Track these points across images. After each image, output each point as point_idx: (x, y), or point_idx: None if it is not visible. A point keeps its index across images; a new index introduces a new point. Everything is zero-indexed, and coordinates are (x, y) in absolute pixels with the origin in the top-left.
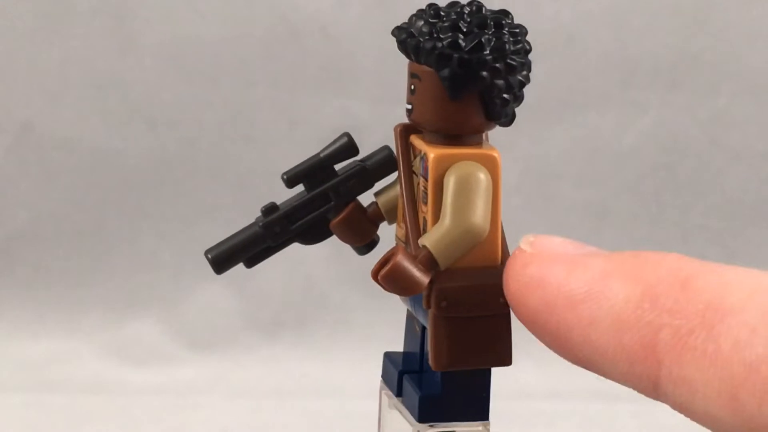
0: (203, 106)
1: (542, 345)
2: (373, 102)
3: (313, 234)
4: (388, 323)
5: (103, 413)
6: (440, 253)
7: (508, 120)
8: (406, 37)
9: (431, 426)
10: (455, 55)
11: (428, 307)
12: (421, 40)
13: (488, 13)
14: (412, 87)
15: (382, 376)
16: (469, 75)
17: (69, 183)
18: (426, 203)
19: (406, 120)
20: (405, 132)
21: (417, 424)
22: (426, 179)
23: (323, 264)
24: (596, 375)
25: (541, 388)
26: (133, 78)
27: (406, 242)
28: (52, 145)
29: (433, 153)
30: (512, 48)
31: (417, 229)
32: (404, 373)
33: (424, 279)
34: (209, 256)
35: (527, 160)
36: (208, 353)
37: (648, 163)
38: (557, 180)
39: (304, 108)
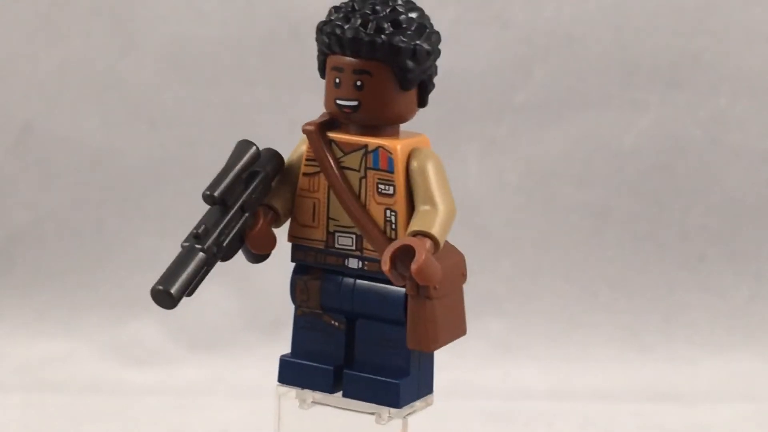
0: (203, 106)
1: (543, 345)
2: None
3: (231, 249)
4: None
5: (103, 413)
6: (440, 238)
7: (425, 104)
8: (355, 35)
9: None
10: (410, 47)
11: (418, 293)
12: (375, 35)
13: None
14: (359, 83)
15: (286, 381)
16: (422, 65)
17: (69, 183)
18: (392, 195)
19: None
20: (322, 130)
21: (396, 410)
22: (388, 171)
23: None
24: (596, 375)
25: (541, 388)
26: (133, 78)
27: (327, 240)
28: (52, 145)
29: (392, 144)
30: (436, 37)
31: (372, 222)
32: (343, 368)
33: (439, 267)
34: (161, 289)
35: (527, 161)
36: (208, 353)
37: (648, 163)
38: (557, 180)
39: (304, 108)
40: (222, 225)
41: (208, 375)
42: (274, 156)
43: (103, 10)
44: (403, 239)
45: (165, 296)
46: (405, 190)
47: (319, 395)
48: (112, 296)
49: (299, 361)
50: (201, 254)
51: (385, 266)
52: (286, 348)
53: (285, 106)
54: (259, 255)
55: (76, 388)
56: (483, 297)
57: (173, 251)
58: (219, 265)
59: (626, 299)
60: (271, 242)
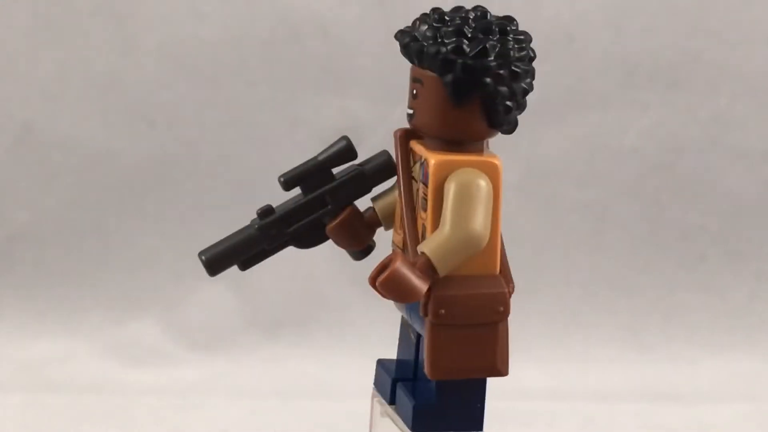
0: (203, 106)
1: (542, 345)
2: (373, 102)
3: (309, 238)
4: (389, 324)
5: (103, 413)
6: (439, 260)
7: (510, 128)
8: (409, 41)
9: None
10: (459, 61)
11: (425, 314)
12: (425, 44)
13: (493, 19)
14: (414, 92)
15: (375, 384)
16: (473, 81)
17: (69, 183)
18: (425, 210)
19: (404, 122)
20: (405, 137)
21: None
22: (426, 185)
23: (323, 264)
24: (596, 375)
25: (541, 388)
26: (133, 78)
27: (404, 248)
28: (52, 145)
29: (433, 159)
30: (517, 55)
31: (415, 235)
32: (398, 381)
33: (422, 286)
34: (203, 257)
35: (528, 161)
36: (208, 353)
37: (648, 163)
38: (557, 180)
39: (304, 108)
40: (290, 209)
41: (208, 375)
42: (382, 158)
43: (103, 10)
44: (392, 254)
45: (202, 262)
46: (433, 206)
47: (385, 404)
48: (112, 296)
49: (381, 366)
50: (254, 231)
51: (369, 279)
52: (286, 348)
53: (285, 106)
54: (355, 251)
55: (76, 388)
56: None
57: (173, 251)
58: None
59: (626, 299)
60: (352, 240)
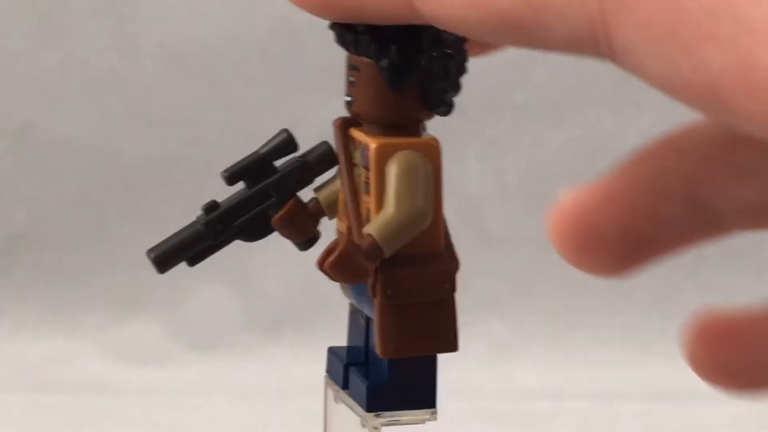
0: (203, 106)
1: (542, 345)
2: None
3: (255, 231)
4: None
5: (103, 413)
6: (385, 240)
7: (446, 109)
8: (344, 29)
9: (378, 415)
10: (393, 45)
11: (374, 295)
12: (360, 29)
13: None
14: (352, 79)
15: (327, 371)
16: (408, 64)
17: (69, 183)
18: (368, 193)
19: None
20: (344, 125)
21: (365, 413)
22: (368, 170)
23: None
24: (596, 375)
25: (541, 388)
26: (133, 78)
27: (348, 234)
28: (52, 145)
29: (374, 143)
30: (449, 37)
31: (359, 219)
32: (350, 366)
33: (369, 266)
34: (151, 255)
35: (528, 161)
36: (208, 353)
37: None
38: (558, 180)
39: (304, 108)
40: (234, 203)
41: (208, 375)
42: (323, 149)
43: (103, 10)
44: (338, 238)
45: (150, 260)
46: (376, 189)
47: (339, 390)
48: (112, 296)
49: (332, 353)
50: (200, 227)
51: (317, 262)
52: (286, 348)
53: (285, 106)
54: (298, 242)
55: (76, 388)
56: (483, 297)
57: None
58: (219, 265)
59: (626, 299)
60: (297, 231)
